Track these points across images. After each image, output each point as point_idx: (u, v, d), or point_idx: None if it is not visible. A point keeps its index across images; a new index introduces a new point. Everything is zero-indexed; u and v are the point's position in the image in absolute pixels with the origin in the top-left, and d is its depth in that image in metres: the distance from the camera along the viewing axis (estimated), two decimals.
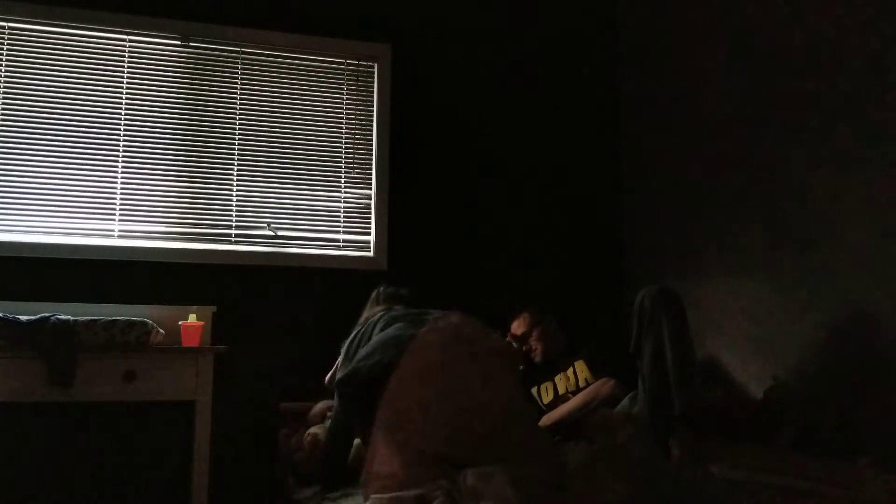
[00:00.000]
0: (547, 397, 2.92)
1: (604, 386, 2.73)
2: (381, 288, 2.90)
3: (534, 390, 2.96)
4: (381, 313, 2.64)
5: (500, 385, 2.16)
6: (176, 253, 3.14)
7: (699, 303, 3.10)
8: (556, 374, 2.94)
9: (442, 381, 2.08)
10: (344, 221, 3.38)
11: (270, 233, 3.28)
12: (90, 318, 2.65)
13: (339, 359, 2.62)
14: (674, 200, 3.35)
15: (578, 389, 2.83)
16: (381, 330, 2.47)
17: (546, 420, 2.77)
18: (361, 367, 2.27)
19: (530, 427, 2.20)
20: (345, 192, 3.40)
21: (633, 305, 2.52)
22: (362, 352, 2.37)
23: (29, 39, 3.08)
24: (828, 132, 2.58)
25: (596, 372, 2.82)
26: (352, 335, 2.64)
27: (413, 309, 2.64)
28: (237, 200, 3.26)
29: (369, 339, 2.49)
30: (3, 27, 3.06)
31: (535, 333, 3.04)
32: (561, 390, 2.89)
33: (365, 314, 2.79)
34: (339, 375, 2.41)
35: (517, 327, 3.08)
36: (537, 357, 3.04)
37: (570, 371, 2.90)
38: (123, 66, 3.17)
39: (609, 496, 1.74)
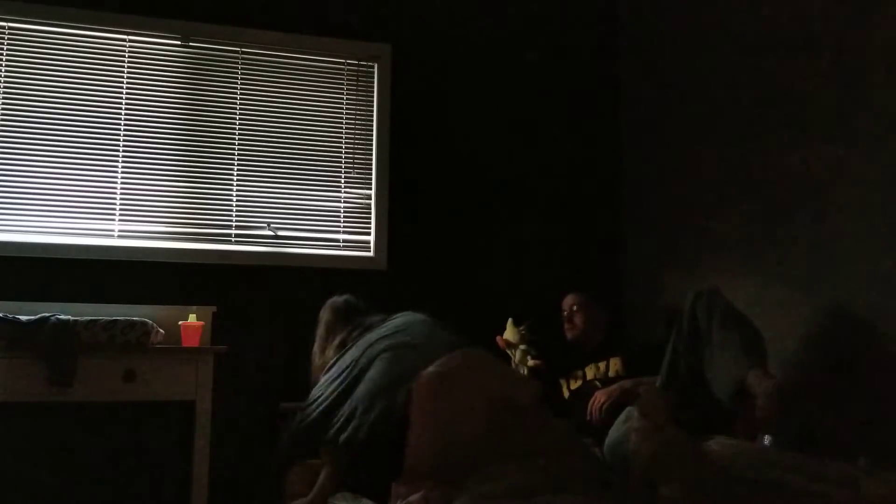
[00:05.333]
0: (575, 383, 2.91)
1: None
2: (338, 300, 2.85)
3: (561, 380, 2.96)
4: (354, 334, 2.57)
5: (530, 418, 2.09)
6: (176, 253, 3.14)
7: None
8: (587, 364, 2.93)
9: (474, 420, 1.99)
10: (344, 221, 3.38)
11: (270, 233, 3.28)
12: (90, 318, 2.65)
13: (323, 390, 2.44)
14: (674, 200, 3.35)
15: (606, 377, 2.82)
16: (367, 361, 2.35)
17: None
18: (361, 424, 2.14)
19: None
20: (345, 192, 3.40)
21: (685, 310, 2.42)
22: (358, 403, 2.22)
23: (29, 39, 3.08)
24: (828, 131, 2.58)
25: (629, 372, 2.78)
26: (332, 364, 2.51)
27: (375, 318, 2.61)
28: (237, 200, 3.26)
29: (353, 373, 2.36)
30: (3, 27, 3.06)
31: (579, 315, 3.05)
32: (589, 376, 2.89)
33: (325, 333, 2.74)
34: (342, 437, 2.21)
35: (567, 302, 3.11)
36: (570, 334, 3.06)
37: (601, 364, 2.89)
38: (123, 66, 3.17)
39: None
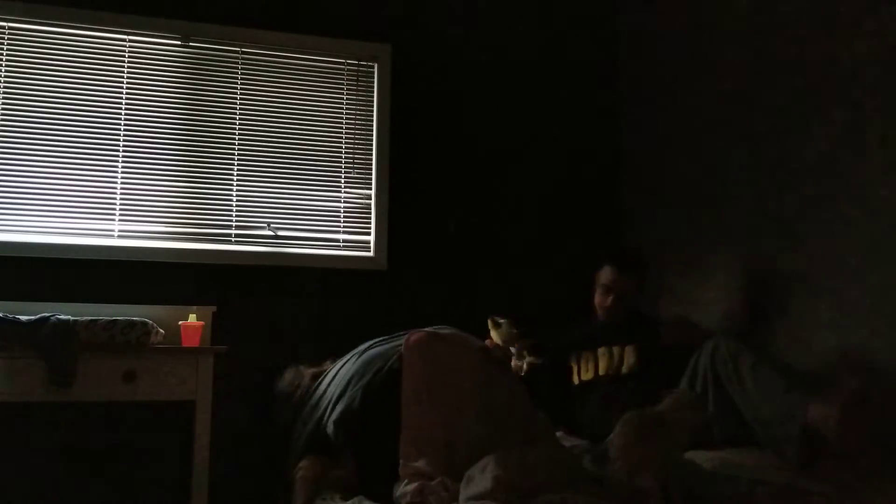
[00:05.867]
0: (586, 374, 2.79)
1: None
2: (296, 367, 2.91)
3: (572, 361, 2.83)
4: (328, 367, 2.67)
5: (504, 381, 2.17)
6: (176, 253, 3.14)
7: (699, 303, 3.10)
8: (600, 346, 2.80)
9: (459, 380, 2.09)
10: (344, 221, 3.38)
11: (270, 233, 3.28)
12: (90, 318, 2.65)
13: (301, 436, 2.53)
14: (674, 200, 3.35)
15: (618, 374, 2.72)
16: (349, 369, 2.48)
17: None
18: (354, 394, 2.25)
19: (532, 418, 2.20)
20: (345, 192, 3.40)
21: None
22: (351, 378, 2.33)
23: (29, 39, 3.08)
24: (829, 130, 2.58)
25: (643, 364, 2.69)
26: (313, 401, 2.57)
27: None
28: (237, 200, 3.26)
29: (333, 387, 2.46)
30: (3, 27, 3.06)
31: (613, 295, 2.82)
32: (601, 369, 2.77)
33: (289, 383, 2.81)
34: (333, 418, 2.31)
35: (606, 275, 2.86)
36: (602, 313, 2.87)
37: (615, 349, 2.77)
38: (123, 66, 3.17)
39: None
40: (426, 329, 2.23)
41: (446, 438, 1.99)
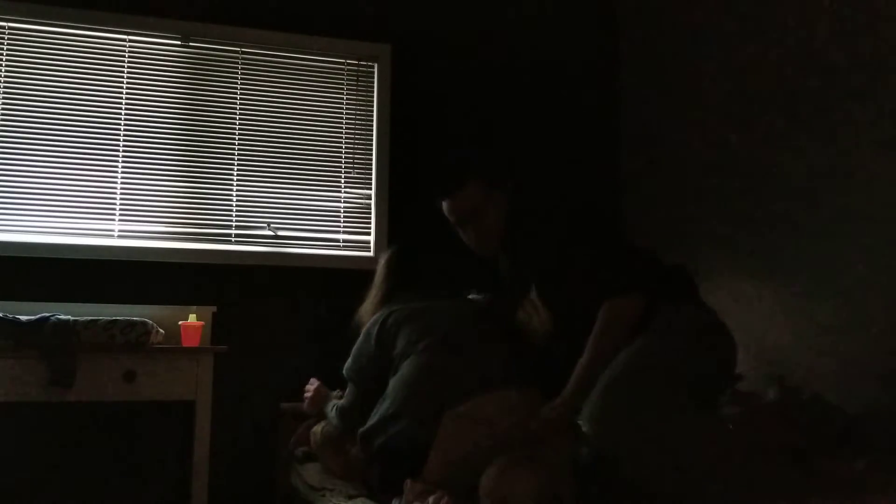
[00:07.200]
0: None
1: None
2: (395, 259, 2.64)
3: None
4: (404, 311, 2.38)
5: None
6: (176, 253, 3.14)
7: None
8: (529, 292, 2.19)
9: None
10: (344, 221, 3.38)
11: (270, 233, 3.28)
12: (90, 318, 2.65)
13: (360, 349, 2.38)
14: (674, 201, 3.35)
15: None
16: (404, 349, 2.27)
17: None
18: (386, 430, 2.12)
19: None
20: (345, 192, 3.40)
21: None
22: (388, 402, 2.17)
23: (29, 39, 3.08)
24: (830, 129, 2.58)
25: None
26: (379, 322, 2.36)
27: (433, 302, 2.45)
28: (237, 200, 3.26)
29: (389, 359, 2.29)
30: (3, 27, 3.06)
31: (470, 227, 2.25)
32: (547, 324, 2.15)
33: (381, 296, 2.54)
34: (362, 429, 2.19)
35: (446, 210, 2.29)
36: (478, 253, 2.31)
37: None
38: (123, 66, 3.17)
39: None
40: (467, 411, 2.05)
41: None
